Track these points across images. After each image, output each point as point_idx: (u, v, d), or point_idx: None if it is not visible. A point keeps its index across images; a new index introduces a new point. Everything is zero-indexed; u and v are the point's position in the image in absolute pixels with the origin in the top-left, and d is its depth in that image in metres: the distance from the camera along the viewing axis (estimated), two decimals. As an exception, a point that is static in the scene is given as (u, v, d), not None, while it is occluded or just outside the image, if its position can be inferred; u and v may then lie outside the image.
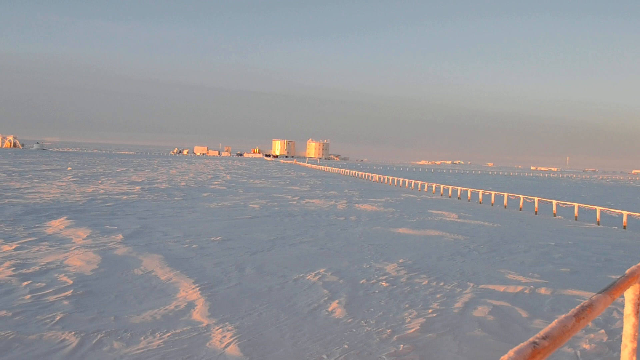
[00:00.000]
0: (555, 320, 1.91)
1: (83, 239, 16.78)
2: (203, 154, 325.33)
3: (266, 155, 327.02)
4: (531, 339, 1.60)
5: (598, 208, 31.98)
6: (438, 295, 11.61)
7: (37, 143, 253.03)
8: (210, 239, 17.67)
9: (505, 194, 41.66)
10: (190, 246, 16.32)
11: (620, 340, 8.87)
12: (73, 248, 15.26)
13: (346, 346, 8.38)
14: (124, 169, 76.77)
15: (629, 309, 2.72)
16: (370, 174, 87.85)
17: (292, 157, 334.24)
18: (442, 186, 53.88)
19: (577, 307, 2.04)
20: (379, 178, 78.89)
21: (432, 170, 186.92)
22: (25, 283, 11.32)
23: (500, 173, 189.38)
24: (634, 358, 2.62)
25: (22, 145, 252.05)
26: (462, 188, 50.90)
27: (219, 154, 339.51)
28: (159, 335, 8.63)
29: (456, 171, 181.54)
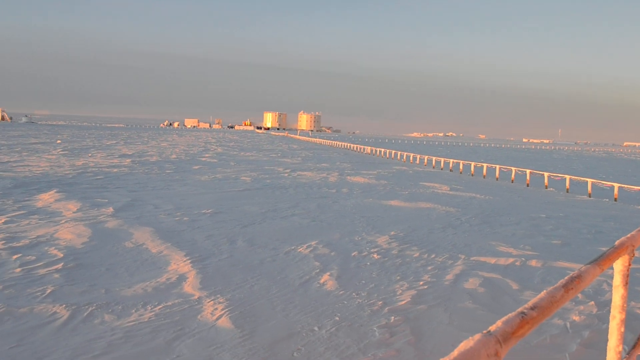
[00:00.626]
0: (544, 291, 1.91)
1: (73, 212, 16.76)
2: (194, 127, 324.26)
3: (257, 128, 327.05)
4: (519, 309, 1.60)
5: (589, 180, 32.18)
6: (429, 268, 11.70)
7: (26, 116, 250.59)
8: (202, 212, 17.71)
9: (497, 166, 41.86)
10: (182, 219, 16.34)
11: (609, 311, 8.98)
12: (63, 221, 15.23)
13: (337, 318, 8.45)
14: (114, 141, 76.36)
15: (617, 280, 2.74)
16: (362, 147, 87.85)
17: (284, 129, 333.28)
18: (434, 158, 54.00)
19: (566, 277, 2.04)
20: (371, 150, 78.95)
21: (425, 142, 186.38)
22: (16, 256, 11.31)
23: (493, 145, 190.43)
24: (622, 329, 2.64)
25: (11, 118, 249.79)
26: (454, 160, 51.09)
27: (210, 126, 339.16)
28: (150, 307, 8.67)
29: (448, 143, 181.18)
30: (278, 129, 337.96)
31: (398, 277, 10.86)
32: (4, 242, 12.53)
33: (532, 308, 1.71)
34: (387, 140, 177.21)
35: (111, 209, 17.47)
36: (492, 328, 1.53)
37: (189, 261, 11.41)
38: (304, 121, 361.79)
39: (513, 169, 40.24)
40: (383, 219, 17.85)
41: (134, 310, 8.51)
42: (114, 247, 12.55)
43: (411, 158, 60.91)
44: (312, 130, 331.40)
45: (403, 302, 9.28)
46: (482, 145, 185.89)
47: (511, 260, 12.64)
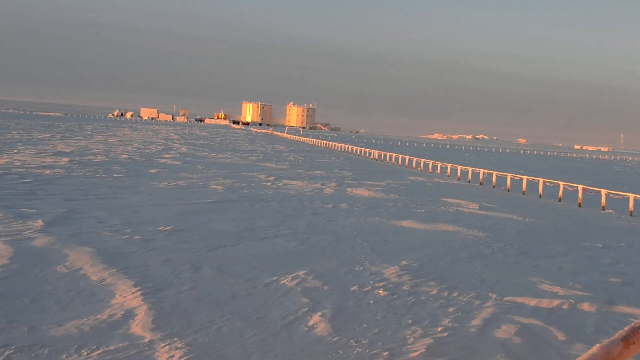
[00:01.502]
0: (598, 345, 1.86)
1: (-9, 225, 16.59)
2: (152, 118, 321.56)
3: (234, 122, 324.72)
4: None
5: (659, 201, 32.19)
6: (450, 309, 11.66)
7: None
8: (158, 229, 17.67)
9: (541, 180, 41.86)
10: (132, 237, 16.29)
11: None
12: (-23, 237, 15.08)
13: (330, 372, 8.38)
14: (48, 135, 76.22)
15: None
16: (367, 150, 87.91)
17: (268, 125, 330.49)
18: (459, 167, 53.95)
19: (626, 328, 2.00)
20: (379, 155, 79.04)
21: (448, 146, 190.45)
22: None
23: (535, 152, 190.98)
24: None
25: None
26: (486, 171, 50.78)
27: (172, 118, 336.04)
28: (86, 353, 8.58)
29: (478, 149, 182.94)
30: (260, 124, 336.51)
31: (410, 321, 10.81)
32: None
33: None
34: (399, 143, 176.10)
35: (40, 222, 17.30)
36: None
37: (140, 293, 11.31)
38: (293, 115, 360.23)
39: (561, 183, 40.26)
40: (392, 245, 17.88)
41: (64, 356, 8.41)
42: (42, 272, 12.40)
43: (430, 166, 60.87)
44: (303, 128, 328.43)
45: (415, 354, 9.23)
46: (521, 152, 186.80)
47: (557, 302, 12.61)
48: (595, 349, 1.86)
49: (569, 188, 41.06)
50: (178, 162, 45.13)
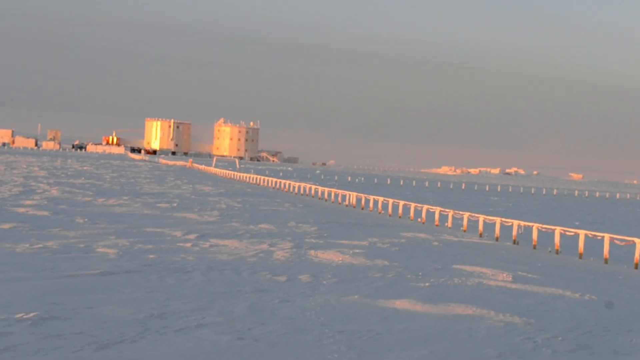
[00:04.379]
0: None
1: None
2: (3, 144, 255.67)
3: (133, 150, 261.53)
4: None
5: None
6: None
7: None
8: (15, 317, 14.24)
9: (607, 236, 35.05)
10: None
11: None
12: None
13: None
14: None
15: None
16: (340, 192, 68.85)
17: (186, 154, 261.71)
18: (481, 217, 44.47)
19: None
20: (358, 199, 62.57)
21: (464, 185, 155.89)
22: None
23: (597, 194, 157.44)
24: None
25: None
26: (522, 223, 41.83)
27: (36, 144, 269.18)
28: None
29: (509, 188, 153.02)
30: (174, 152, 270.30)
31: None
32: None
33: None
34: (389, 181, 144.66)
35: None
36: None
37: None
38: (225, 139, 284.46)
39: (638, 241, 34.06)
40: (380, 338, 14.61)
41: None
42: None
43: (437, 216, 49.75)
44: (241, 158, 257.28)
45: None
46: (576, 193, 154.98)
47: None
48: None
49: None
50: (45, 212, 37.40)
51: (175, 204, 48.84)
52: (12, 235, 26.97)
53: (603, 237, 35.02)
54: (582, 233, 36.15)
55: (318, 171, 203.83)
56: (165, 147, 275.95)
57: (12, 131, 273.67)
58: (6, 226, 29.46)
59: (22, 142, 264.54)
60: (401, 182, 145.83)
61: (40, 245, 24.75)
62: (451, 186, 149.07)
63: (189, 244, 27.81)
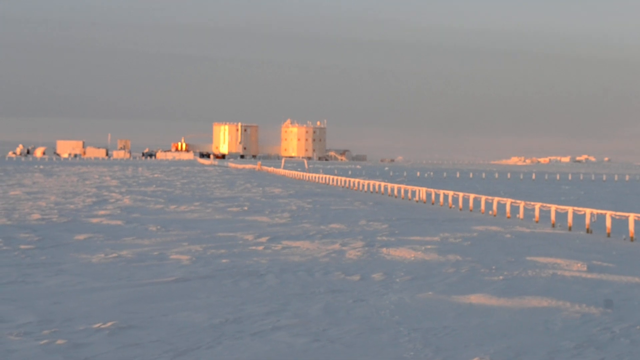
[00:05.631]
0: None
1: None
2: (75, 155, 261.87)
3: (202, 156, 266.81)
4: None
5: None
6: None
7: None
8: (93, 327, 14.32)
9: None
10: (52, 343, 13.04)
11: None
12: None
13: None
14: None
15: None
16: (410, 187, 68.42)
17: (254, 157, 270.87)
18: (553, 207, 43.45)
19: None
20: (428, 194, 62.07)
21: (534, 175, 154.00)
22: None
23: None
24: None
25: None
26: (595, 211, 40.30)
27: (107, 154, 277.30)
28: None
29: (580, 176, 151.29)
30: (243, 156, 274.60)
31: None
32: None
33: None
34: (458, 175, 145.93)
35: None
36: None
37: None
38: (292, 140, 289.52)
39: None
40: (456, 334, 14.55)
41: None
42: None
43: (508, 208, 48.89)
44: (309, 159, 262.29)
45: None
46: None
47: None
48: None
49: None
50: (119, 222, 37.54)
51: (246, 208, 49.39)
52: (88, 246, 27.32)
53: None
54: (659, 219, 34.89)
55: (386, 168, 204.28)
56: (233, 150, 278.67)
57: (83, 142, 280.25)
58: (81, 237, 29.86)
59: (93, 152, 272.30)
60: (470, 175, 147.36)
61: (115, 255, 24.90)
62: (521, 177, 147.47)
63: (261, 247, 27.92)
